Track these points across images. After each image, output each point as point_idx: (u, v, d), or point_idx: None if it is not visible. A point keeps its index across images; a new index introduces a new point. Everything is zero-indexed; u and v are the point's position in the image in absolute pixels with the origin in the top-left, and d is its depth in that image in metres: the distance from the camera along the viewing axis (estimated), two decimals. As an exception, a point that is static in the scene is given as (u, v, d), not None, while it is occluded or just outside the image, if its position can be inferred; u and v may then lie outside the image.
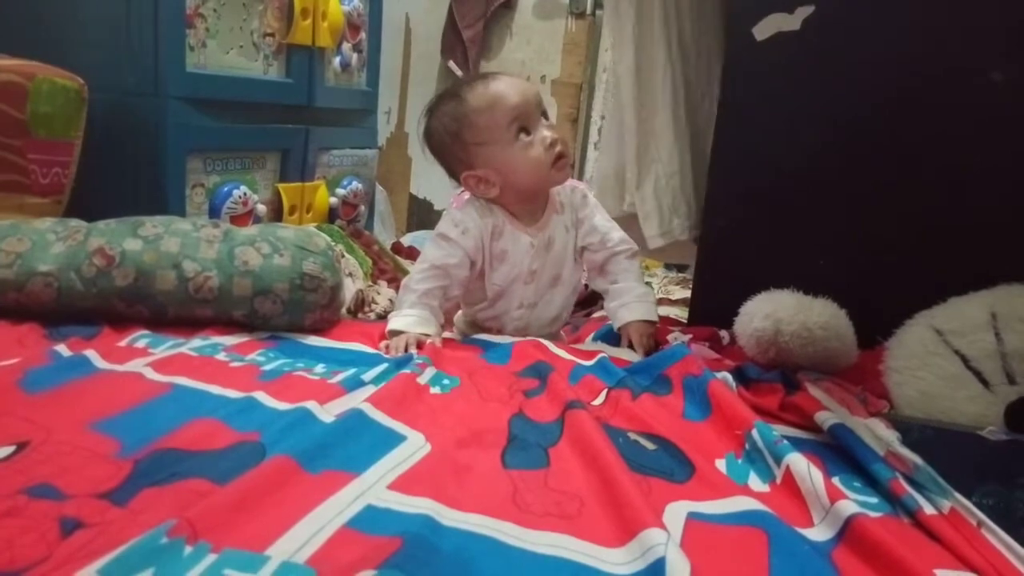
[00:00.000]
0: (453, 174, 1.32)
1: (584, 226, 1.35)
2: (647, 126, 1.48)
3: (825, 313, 1.11)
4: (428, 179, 2.72)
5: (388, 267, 2.06)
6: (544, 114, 1.28)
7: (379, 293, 1.84)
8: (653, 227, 1.50)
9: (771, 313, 1.12)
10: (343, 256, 1.90)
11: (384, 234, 2.58)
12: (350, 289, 1.77)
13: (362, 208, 2.38)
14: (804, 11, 1.23)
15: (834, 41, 1.23)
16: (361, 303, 1.75)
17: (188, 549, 0.61)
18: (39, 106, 1.58)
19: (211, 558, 0.60)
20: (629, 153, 1.51)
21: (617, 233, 1.36)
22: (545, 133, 1.25)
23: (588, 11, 2.70)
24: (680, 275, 2.45)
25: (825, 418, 0.92)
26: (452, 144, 1.28)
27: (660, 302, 2.04)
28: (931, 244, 1.23)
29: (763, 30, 1.25)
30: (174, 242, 1.17)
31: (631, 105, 1.46)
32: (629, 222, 1.49)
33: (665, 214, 1.50)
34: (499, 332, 1.33)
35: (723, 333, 1.35)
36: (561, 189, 1.34)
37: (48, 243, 1.17)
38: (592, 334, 1.44)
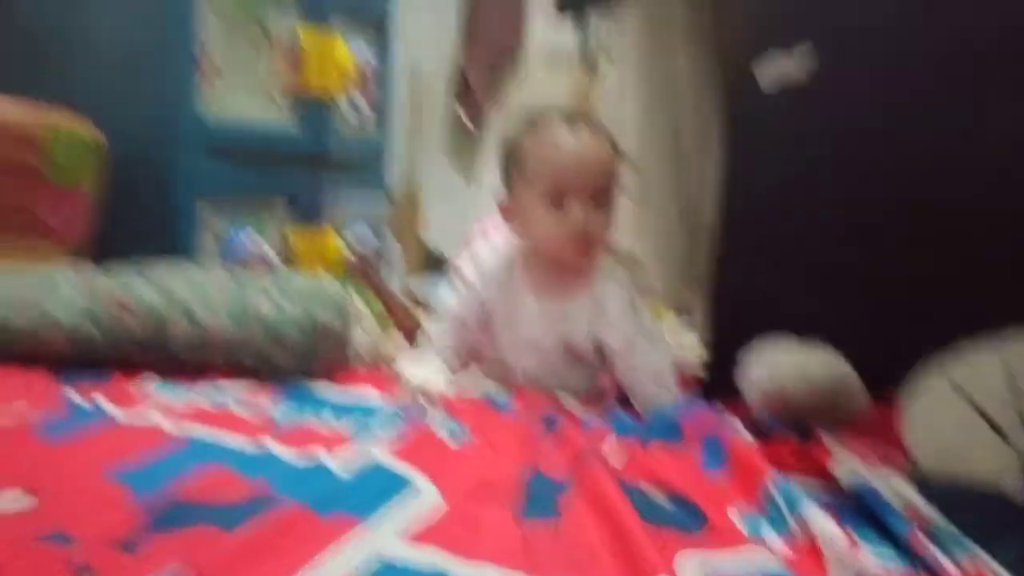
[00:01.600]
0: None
1: (608, 318, 1.24)
2: (648, 175, 1.49)
3: (827, 363, 1.11)
4: (439, 227, 2.74)
5: (397, 313, 2.07)
6: (603, 189, 1.19)
7: (392, 343, 1.84)
8: (652, 272, 1.50)
9: (771, 365, 1.11)
10: (352, 301, 1.91)
11: (394, 280, 2.59)
12: (363, 339, 1.77)
13: (372, 255, 2.39)
14: (806, 54, 1.24)
15: (841, 92, 1.24)
16: (374, 353, 1.75)
17: (196, 595, 0.61)
18: (57, 156, 1.61)
19: (219, 604, 0.60)
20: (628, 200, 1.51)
21: (642, 355, 1.25)
22: (577, 214, 1.16)
23: (596, 61, 2.74)
24: (692, 320, 2.44)
25: (840, 468, 0.91)
26: (503, 163, 1.24)
27: (684, 372, 2.02)
28: (942, 291, 1.23)
29: (767, 74, 1.26)
30: (186, 290, 1.18)
31: (630, 149, 1.47)
32: (630, 264, 1.49)
33: (663, 262, 1.50)
34: None
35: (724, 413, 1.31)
36: (603, 271, 1.27)
37: (65, 293, 1.18)
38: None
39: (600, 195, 1.18)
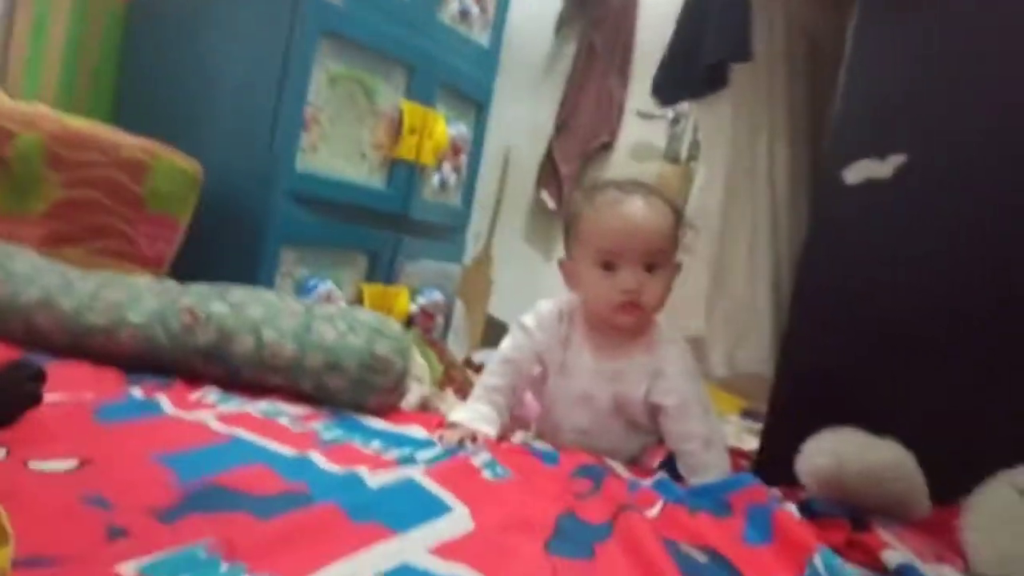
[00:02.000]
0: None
1: (665, 380, 1.24)
2: (725, 258, 1.49)
3: (891, 453, 1.07)
4: (507, 302, 2.77)
5: (458, 378, 2.08)
6: (656, 255, 1.21)
7: (444, 401, 1.85)
8: (719, 355, 1.48)
9: (833, 450, 1.07)
10: (414, 360, 1.93)
11: (457, 347, 2.61)
12: (416, 392, 1.78)
13: (439, 319, 2.42)
14: (896, 160, 1.25)
15: (924, 191, 1.24)
16: (424, 407, 1.76)
17: (224, 566, 0.61)
18: (157, 184, 1.69)
19: (244, 576, 0.60)
20: (701, 282, 1.51)
21: (695, 420, 1.24)
22: (628, 279, 1.19)
23: (683, 158, 2.78)
24: (757, 425, 2.38)
25: (893, 557, 0.87)
26: (567, 225, 1.30)
27: (739, 452, 1.98)
28: (1016, 404, 1.18)
29: (854, 174, 1.27)
30: (258, 309, 1.22)
31: (712, 235, 1.48)
32: (694, 345, 1.47)
33: (731, 346, 1.48)
34: None
35: (775, 491, 1.27)
36: (664, 336, 1.28)
37: (143, 297, 1.23)
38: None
39: (653, 261, 1.21)
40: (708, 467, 1.21)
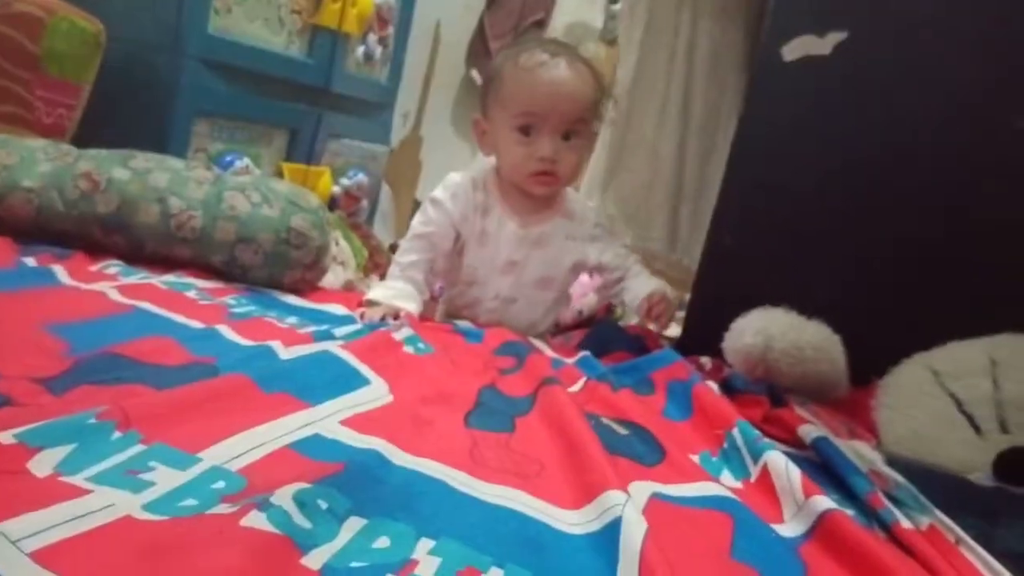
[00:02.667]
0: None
1: (599, 245, 1.31)
2: (629, 135, 1.46)
3: (819, 335, 1.07)
4: (436, 186, 2.70)
5: (383, 263, 2.02)
6: (575, 124, 1.20)
7: (368, 287, 1.80)
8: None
9: (762, 329, 1.08)
10: (338, 242, 1.87)
11: (384, 233, 2.55)
12: (340, 277, 1.73)
13: (364, 203, 2.35)
14: (836, 36, 1.21)
15: (863, 70, 1.21)
16: (350, 292, 1.71)
17: (117, 434, 0.57)
18: (55, 43, 1.55)
19: (139, 447, 0.57)
20: (602, 160, 1.48)
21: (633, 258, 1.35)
22: (545, 147, 1.18)
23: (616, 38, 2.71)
24: (678, 312, 2.41)
25: (808, 431, 0.88)
26: (485, 83, 1.27)
27: (659, 336, 2.00)
28: (938, 285, 1.19)
29: (792, 51, 1.24)
30: (163, 177, 1.14)
31: (621, 111, 1.44)
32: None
33: (623, 223, 1.47)
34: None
35: (703, 360, 1.30)
36: (580, 199, 1.32)
37: (36, 161, 1.14)
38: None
39: (572, 129, 1.20)
40: (656, 287, 1.28)
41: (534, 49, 1.20)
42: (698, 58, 1.48)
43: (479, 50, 2.86)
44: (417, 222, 1.25)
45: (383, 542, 0.52)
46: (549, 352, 1.12)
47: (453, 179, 1.27)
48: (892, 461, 0.90)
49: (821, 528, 0.65)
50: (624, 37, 1.50)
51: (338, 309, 1.13)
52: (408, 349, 0.95)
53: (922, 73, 1.20)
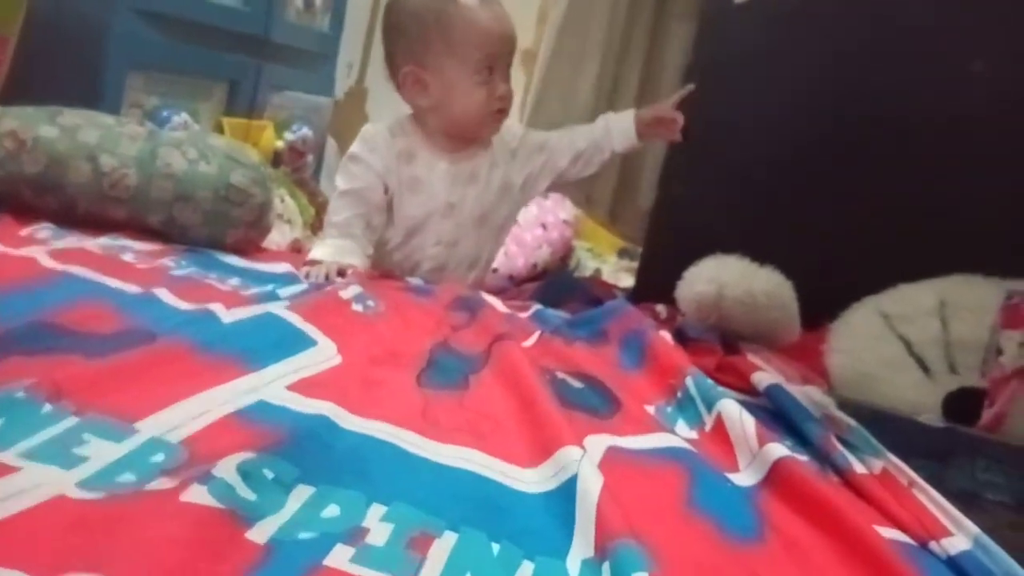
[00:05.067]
0: (393, 61, 1.23)
1: (526, 148, 1.29)
2: (547, 80, 1.43)
3: (771, 282, 1.07)
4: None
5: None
6: (509, 64, 1.23)
7: (316, 240, 1.77)
8: None
9: (715, 277, 1.07)
10: (283, 200, 1.82)
11: (331, 188, 2.49)
12: (287, 235, 1.69)
13: (310, 158, 2.28)
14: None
15: (813, 10, 1.20)
16: (297, 251, 1.67)
17: (47, 407, 0.54)
18: (-27, -6, 1.47)
19: (72, 420, 0.54)
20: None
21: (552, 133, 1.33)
22: (502, 85, 1.20)
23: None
24: (632, 263, 2.41)
25: (761, 378, 0.88)
26: (415, 31, 1.19)
27: (613, 286, 2.00)
28: (888, 228, 1.20)
29: (740, -6, 1.22)
30: (93, 133, 1.09)
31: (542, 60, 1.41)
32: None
33: None
34: (411, 275, 1.24)
35: (659, 308, 1.30)
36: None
37: (-45, 120, 1.07)
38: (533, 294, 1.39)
39: (509, 65, 1.22)
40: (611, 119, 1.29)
41: None
42: (630, 4, 1.45)
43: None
44: (341, 181, 1.22)
45: (332, 510, 0.50)
46: (502, 307, 1.10)
47: (368, 131, 1.24)
48: (844, 405, 0.91)
49: (775, 475, 0.65)
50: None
51: (283, 268, 1.10)
52: (356, 308, 0.93)
53: (874, 10, 1.19)
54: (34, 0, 1.56)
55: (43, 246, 0.96)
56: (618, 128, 1.28)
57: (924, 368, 1.04)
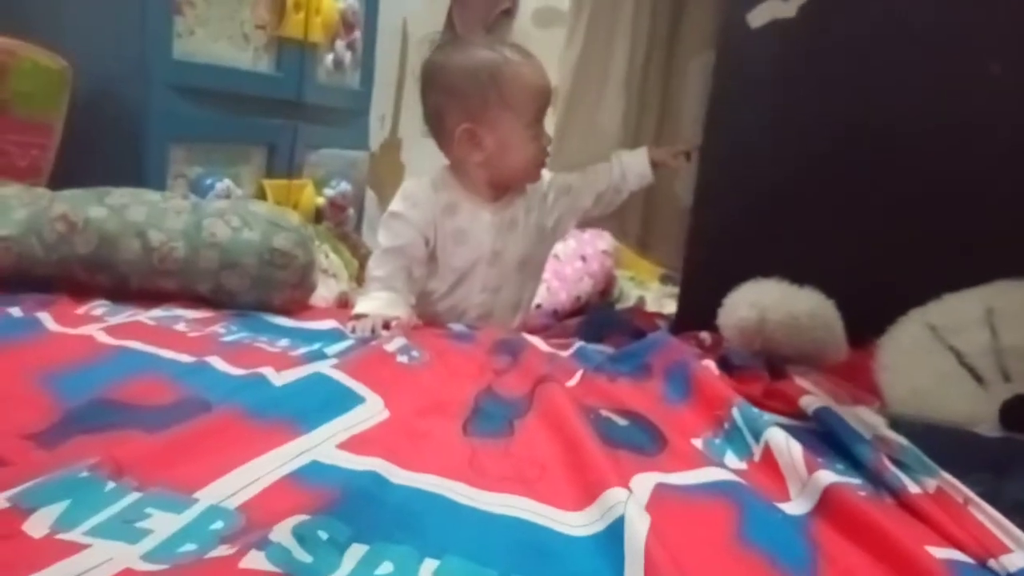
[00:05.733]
0: (442, 120, 1.25)
1: (554, 191, 1.34)
2: (570, 116, 1.45)
3: (812, 302, 1.07)
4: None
5: (371, 267, 2.02)
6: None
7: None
8: None
9: (756, 302, 1.07)
10: (328, 255, 1.86)
11: (373, 239, 2.54)
12: (333, 290, 1.72)
13: (351, 211, 2.34)
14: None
15: (831, 27, 1.20)
16: (345, 305, 1.71)
17: (111, 484, 0.57)
18: (21, 85, 1.54)
19: (134, 496, 0.56)
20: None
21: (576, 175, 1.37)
22: (545, 137, 1.27)
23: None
24: (675, 289, 2.40)
25: (810, 402, 0.87)
26: (471, 90, 1.21)
27: (656, 315, 1.99)
28: (928, 241, 1.18)
29: (757, 17, 1.22)
30: (140, 211, 1.13)
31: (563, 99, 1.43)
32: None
33: None
34: (457, 323, 1.26)
35: (703, 335, 1.29)
36: None
37: (10, 208, 1.13)
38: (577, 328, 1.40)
39: None
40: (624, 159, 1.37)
41: (499, 47, 1.25)
42: (648, 40, 1.47)
43: (449, 42, 2.84)
44: (383, 238, 1.25)
45: (386, 567, 0.52)
46: (544, 346, 1.11)
47: (410, 187, 1.27)
48: (896, 423, 0.90)
49: (827, 503, 0.64)
50: (572, 18, 1.48)
51: (329, 325, 1.12)
52: (402, 360, 0.95)
53: (892, 24, 1.19)
54: (75, 86, 1.63)
55: (99, 323, 1.00)
56: (633, 172, 1.36)
57: (977, 378, 1.02)
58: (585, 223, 1.51)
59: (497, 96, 1.21)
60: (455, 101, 1.23)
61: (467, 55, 1.24)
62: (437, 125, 1.27)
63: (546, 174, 1.34)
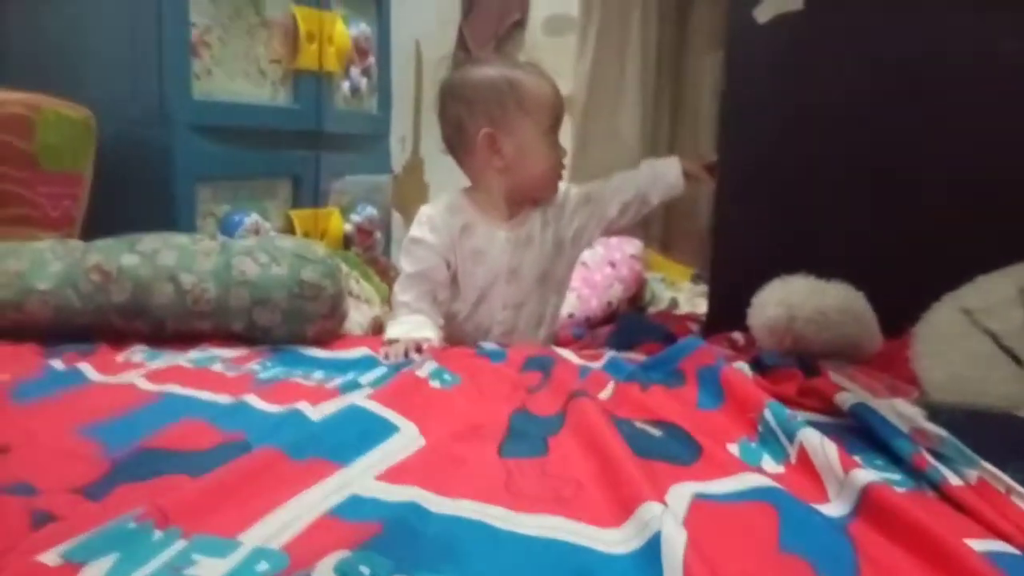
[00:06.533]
0: (463, 128, 1.27)
1: (572, 203, 1.33)
2: (588, 126, 1.45)
3: (840, 296, 1.06)
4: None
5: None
6: None
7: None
8: None
9: (783, 299, 1.07)
10: (358, 281, 1.88)
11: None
12: (367, 315, 1.74)
13: (378, 235, 2.36)
14: (804, -6, 1.20)
15: (840, 16, 1.19)
16: (379, 329, 1.72)
17: (158, 534, 0.58)
18: (47, 138, 1.58)
19: (181, 543, 0.57)
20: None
21: (594, 184, 1.37)
22: (561, 149, 1.30)
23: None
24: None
25: (845, 398, 0.86)
26: (492, 96, 1.25)
27: (688, 317, 1.98)
28: (954, 221, 1.17)
29: (764, 12, 1.22)
30: (171, 255, 1.16)
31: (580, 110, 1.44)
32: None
33: None
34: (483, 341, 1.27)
35: (735, 335, 1.29)
36: None
37: (46, 262, 1.16)
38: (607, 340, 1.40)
39: None
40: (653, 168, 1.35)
41: (534, 66, 1.30)
42: (650, 48, 1.48)
43: (464, 61, 2.86)
44: (406, 264, 1.27)
45: (429, 599, 0.53)
46: (575, 359, 1.12)
47: (426, 213, 1.29)
48: (935, 412, 0.89)
49: (866, 502, 0.64)
50: (582, 31, 1.49)
51: (362, 353, 1.14)
52: (434, 384, 0.96)
53: (901, 6, 1.18)
54: (99, 133, 1.67)
55: (139, 369, 1.02)
56: (664, 182, 1.34)
57: (1015, 359, 1.00)
58: (610, 232, 1.50)
59: (516, 102, 1.24)
60: (475, 108, 1.26)
61: (484, 69, 1.28)
62: (457, 136, 1.29)
63: (562, 186, 1.35)
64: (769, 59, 1.25)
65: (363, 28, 2.19)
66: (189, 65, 1.71)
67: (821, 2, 1.20)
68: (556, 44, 2.78)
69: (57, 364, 1.03)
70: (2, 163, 1.52)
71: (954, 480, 0.69)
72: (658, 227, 1.58)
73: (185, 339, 1.15)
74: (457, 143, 1.30)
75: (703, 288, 2.42)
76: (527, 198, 1.30)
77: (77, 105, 1.64)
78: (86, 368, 1.01)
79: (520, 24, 2.84)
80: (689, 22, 1.49)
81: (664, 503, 0.61)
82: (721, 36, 1.37)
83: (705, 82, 1.48)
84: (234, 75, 1.83)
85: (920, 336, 1.10)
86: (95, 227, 1.69)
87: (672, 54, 1.49)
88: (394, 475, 0.71)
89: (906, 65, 1.17)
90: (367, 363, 1.09)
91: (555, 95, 1.27)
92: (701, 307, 2.17)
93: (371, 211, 2.30)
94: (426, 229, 1.26)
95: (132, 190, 1.76)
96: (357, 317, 1.58)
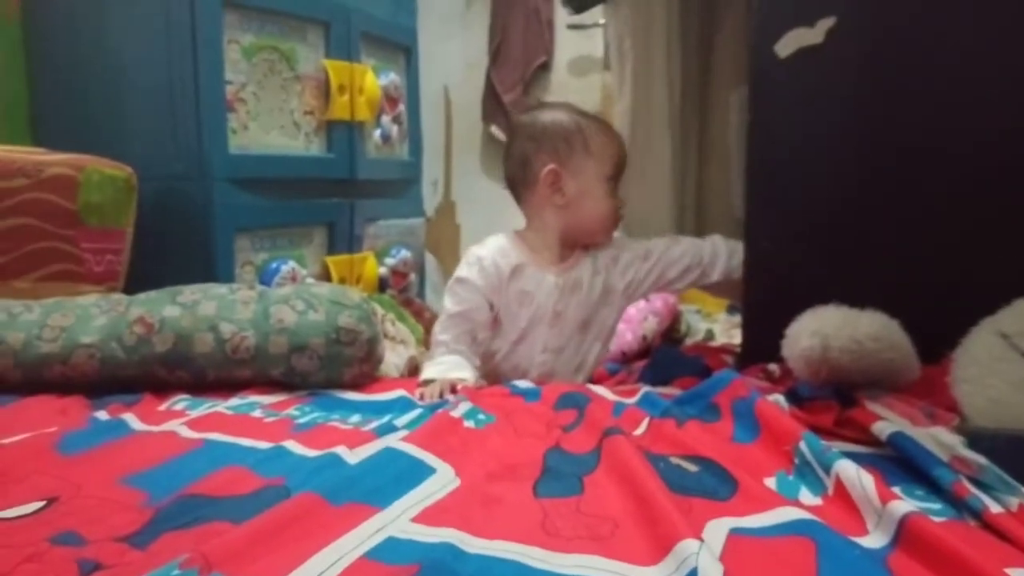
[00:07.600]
0: (527, 165, 1.30)
1: (628, 254, 1.34)
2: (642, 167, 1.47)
3: (875, 324, 1.05)
4: (476, 241, 2.74)
5: (438, 331, 2.05)
6: None
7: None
8: None
9: (817, 330, 1.06)
10: (394, 323, 1.90)
11: (437, 303, 2.59)
12: (403, 356, 1.76)
13: (412, 277, 2.39)
14: (826, 23, 1.21)
15: (860, 49, 1.20)
16: (415, 370, 1.74)
17: (201, 582, 0.59)
18: (90, 196, 1.64)
19: (223, 590, 0.59)
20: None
21: (655, 241, 1.37)
22: (621, 196, 1.34)
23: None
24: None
25: (883, 428, 0.86)
26: (560, 135, 1.29)
27: (723, 349, 1.97)
28: (988, 245, 1.16)
29: (785, 47, 1.23)
30: (211, 305, 1.19)
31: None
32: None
33: None
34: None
35: (772, 367, 1.28)
36: None
37: (91, 316, 1.20)
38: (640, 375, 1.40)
39: None
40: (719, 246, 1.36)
41: (583, 109, 1.34)
42: (675, 80, 1.49)
43: (493, 105, 2.91)
44: (449, 303, 1.28)
45: (465, 640, 0.53)
46: (609, 395, 1.12)
47: (476, 253, 1.30)
48: (975, 438, 0.88)
49: (904, 534, 0.63)
50: (615, 68, 1.52)
51: (397, 395, 1.15)
52: (469, 424, 0.97)
53: (921, 35, 1.18)
54: (140, 189, 1.73)
55: (181, 418, 1.05)
56: (731, 263, 1.35)
57: (1057, 383, 0.98)
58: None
59: (582, 144, 1.28)
60: (543, 146, 1.29)
61: (556, 112, 1.32)
62: (522, 171, 1.32)
63: (616, 235, 1.37)
64: (793, 92, 1.25)
65: (392, 78, 2.24)
66: (226, 121, 1.76)
67: (839, 35, 1.20)
68: (581, 84, 2.83)
69: (102, 415, 1.05)
70: (48, 221, 1.58)
71: (995, 508, 0.68)
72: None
73: (226, 387, 1.18)
74: (520, 179, 1.33)
75: (739, 319, 2.41)
76: (580, 241, 1.32)
77: (119, 163, 1.69)
78: (130, 418, 1.04)
79: (546, 66, 2.89)
80: (713, 56, 1.51)
81: (701, 539, 0.61)
82: (743, 71, 1.37)
83: (730, 118, 1.49)
84: (269, 128, 1.88)
85: (958, 362, 1.09)
86: (138, 280, 1.73)
87: (696, 91, 1.51)
88: (430, 516, 0.72)
89: (930, 90, 1.17)
90: (403, 405, 1.10)
91: (620, 146, 1.32)
92: (737, 338, 2.15)
93: (405, 253, 2.34)
94: (475, 270, 1.27)
95: (173, 243, 1.81)
96: (393, 358, 1.60)
